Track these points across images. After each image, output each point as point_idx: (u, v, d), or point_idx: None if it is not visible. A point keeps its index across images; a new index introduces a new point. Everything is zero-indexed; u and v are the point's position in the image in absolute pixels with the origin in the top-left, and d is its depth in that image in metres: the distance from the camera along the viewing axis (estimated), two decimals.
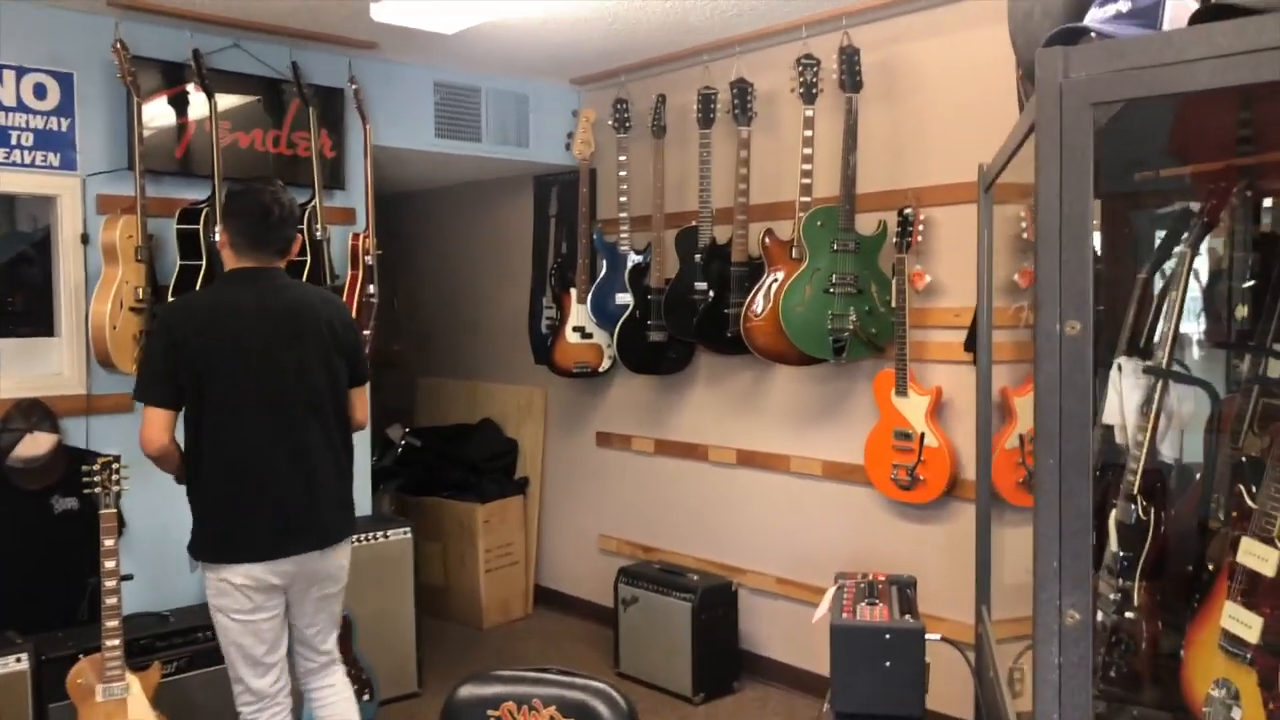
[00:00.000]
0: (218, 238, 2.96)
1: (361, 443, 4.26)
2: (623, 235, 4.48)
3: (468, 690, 2.17)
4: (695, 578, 4.17)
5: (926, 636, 2.63)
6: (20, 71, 3.43)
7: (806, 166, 3.70)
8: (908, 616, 2.71)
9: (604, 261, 4.57)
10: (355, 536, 3.91)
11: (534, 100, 4.79)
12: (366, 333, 3.94)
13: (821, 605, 2.91)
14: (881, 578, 3.02)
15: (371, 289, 3.94)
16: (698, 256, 4.09)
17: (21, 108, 3.45)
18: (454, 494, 5.13)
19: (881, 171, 3.74)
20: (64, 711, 3.09)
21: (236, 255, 2.79)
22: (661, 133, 4.32)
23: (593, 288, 4.59)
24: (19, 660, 3.14)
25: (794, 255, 3.72)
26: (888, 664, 2.61)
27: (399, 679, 4.07)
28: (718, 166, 4.09)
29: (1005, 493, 3.33)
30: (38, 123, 3.49)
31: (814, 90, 3.70)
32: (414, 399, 6.15)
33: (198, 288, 3.47)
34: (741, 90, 3.92)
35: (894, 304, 3.58)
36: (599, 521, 5.03)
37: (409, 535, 4.11)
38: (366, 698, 3.69)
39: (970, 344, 3.44)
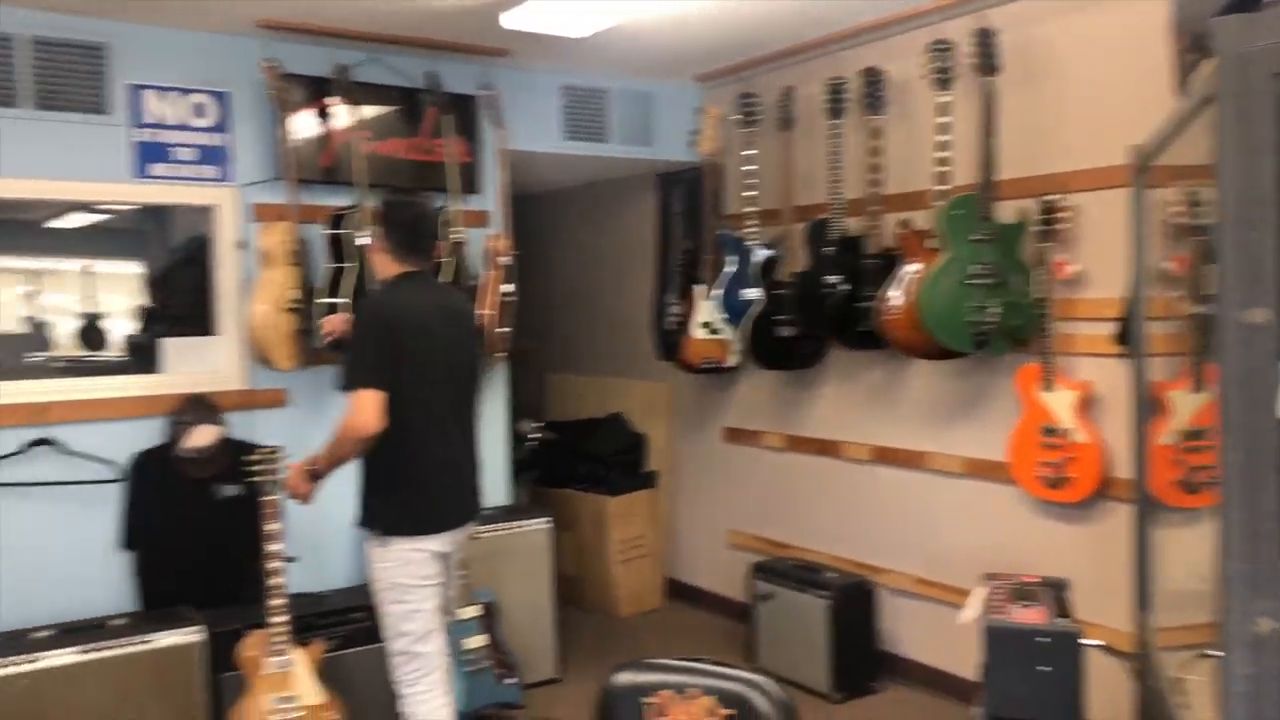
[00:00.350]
0: (368, 242, 3.12)
1: (498, 435, 4.40)
2: (750, 230, 4.46)
3: (625, 677, 2.22)
4: (832, 575, 4.14)
5: (1081, 641, 2.56)
6: (183, 92, 3.65)
7: (942, 154, 3.62)
8: (1063, 620, 2.64)
9: (731, 257, 4.57)
10: (499, 525, 4.07)
11: (658, 99, 4.83)
12: (506, 330, 4.04)
13: (972, 605, 2.86)
14: (1033, 579, 2.94)
15: (510, 288, 4.04)
16: (829, 249, 4.05)
17: (184, 126, 3.67)
18: (585, 486, 5.22)
19: (1021, 157, 3.64)
20: (234, 681, 3.28)
21: (394, 260, 3.00)
22: (789, 125, 4.29)
23: (720, 284, 4.59)
24: (193, 633, 3.34)
25: (931, 246, 3.65)
26: (1043, 668, 2.55)
27: (540, 664, 4.17)
28: (849, 157, 4.04)
29: (1160, 492, 3.19)
30: (199, 139, 3.70)
31: (948, 75, 3.61)
32: (542, 395, 6.27)
33: (349, 289, 3.63)
34: (872, 79, 3.87)
35: (1037, 295, 3.48)
36: (728, 517, 5.04)
37: (549, 525, 4.21)
38: (512, 681, 3.80)
39: (1121, 336, 3.31)
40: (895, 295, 3.73)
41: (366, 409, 2.77)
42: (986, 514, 3.86)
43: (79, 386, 3.59)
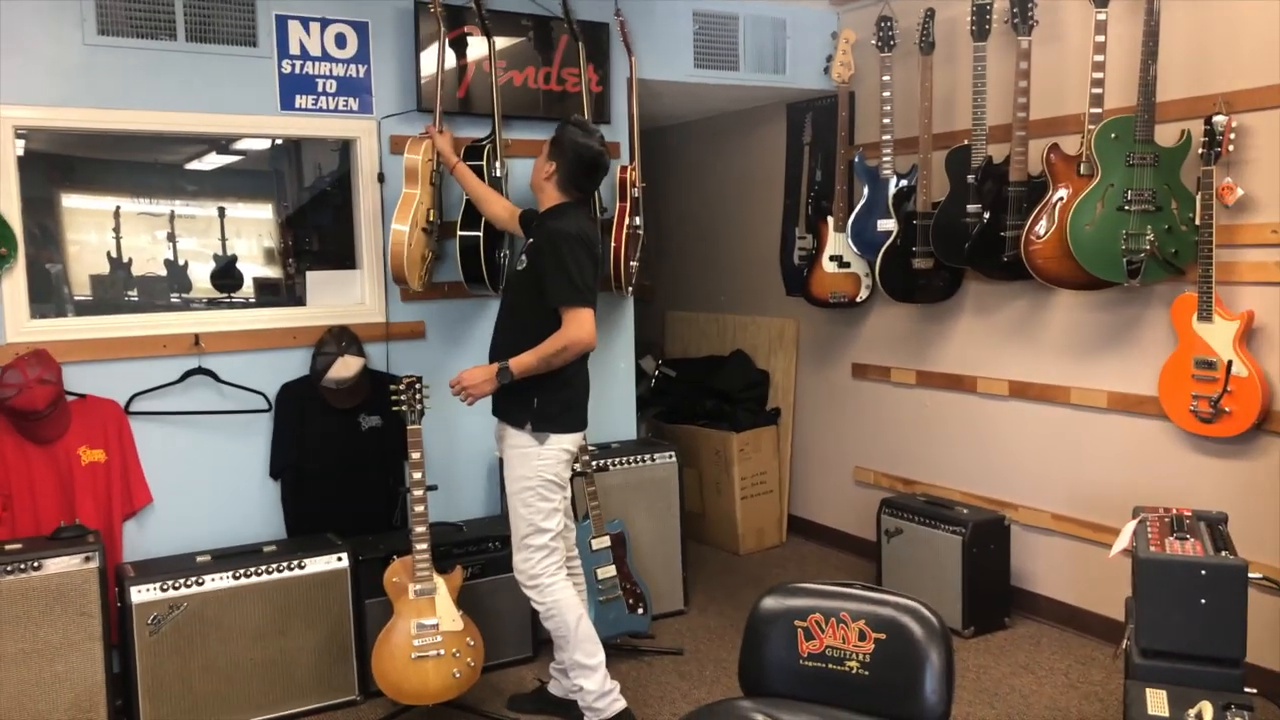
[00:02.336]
0: (545, 164, 3.20)
1: (626, 371, 4.43)
2: (885, 159, 4.35)
3: (774, 601, 2.22)
4: (965, 511, 4.07)
5: (1250, 575, 2.46)
6: (324, 23, 3.70)
7: (1098, 75, 3.44)
8: (1225, 553, 2.53)
9: (864, 187, 4.47)
10: (628, 459, 4.11)
11: (791, 24, 4.70)
12: (634, 264, 4.04)
13: (1121, 538, 2.77)
14: (1188, 512, 2.84)
15: (638, 220, 4.03)
16: (970, 177, 3.91)
17: (326, 57, 3.72)
18: (709, 423, 5.23)
19: (1184, 77, 3.44)
20: (378, 607, 3.42)
21: (560, 191, 3.18)
22: (930, 49, 4.14)
23: (852, 215, 4.50)
24: (340, 559, 3.48)
25: (1083, 171, 3.49)
26: (1203, 601, 2.46)
27: (668, 597, 4.23)
28: (993, 81, 3.88)
29: None
30: (339, 70, 3.75)
31: None
32: (663, 332, 6.28)
33: (483, 221, 3.67)
34: None
35: (1198, 221, 3.30)
36: (854, 453, 4.99)
37: (674, 460, 4.23)
38: (640, 611, 3.86)
39: None
40: (1042, 223, 3.59)
41: (587, 326, 3.03)
42: (1133, 449, 3.73)
43: (227, 318, 3.71)
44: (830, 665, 2.13)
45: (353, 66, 3.77)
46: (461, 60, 3.91)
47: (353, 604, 3.49)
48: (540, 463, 3.13)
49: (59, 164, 4.85)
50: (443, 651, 3.23)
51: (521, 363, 3.06)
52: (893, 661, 2.07)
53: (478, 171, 3.72)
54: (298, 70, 3.67)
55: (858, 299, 4.66)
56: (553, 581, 3.16)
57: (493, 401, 3.22)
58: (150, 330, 3.55)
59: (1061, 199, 3.55)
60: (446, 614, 3.27)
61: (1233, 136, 3.25)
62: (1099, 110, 3.46)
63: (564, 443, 3.16)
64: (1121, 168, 3.39)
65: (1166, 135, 3.42)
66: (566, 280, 3.03)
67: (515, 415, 3.15)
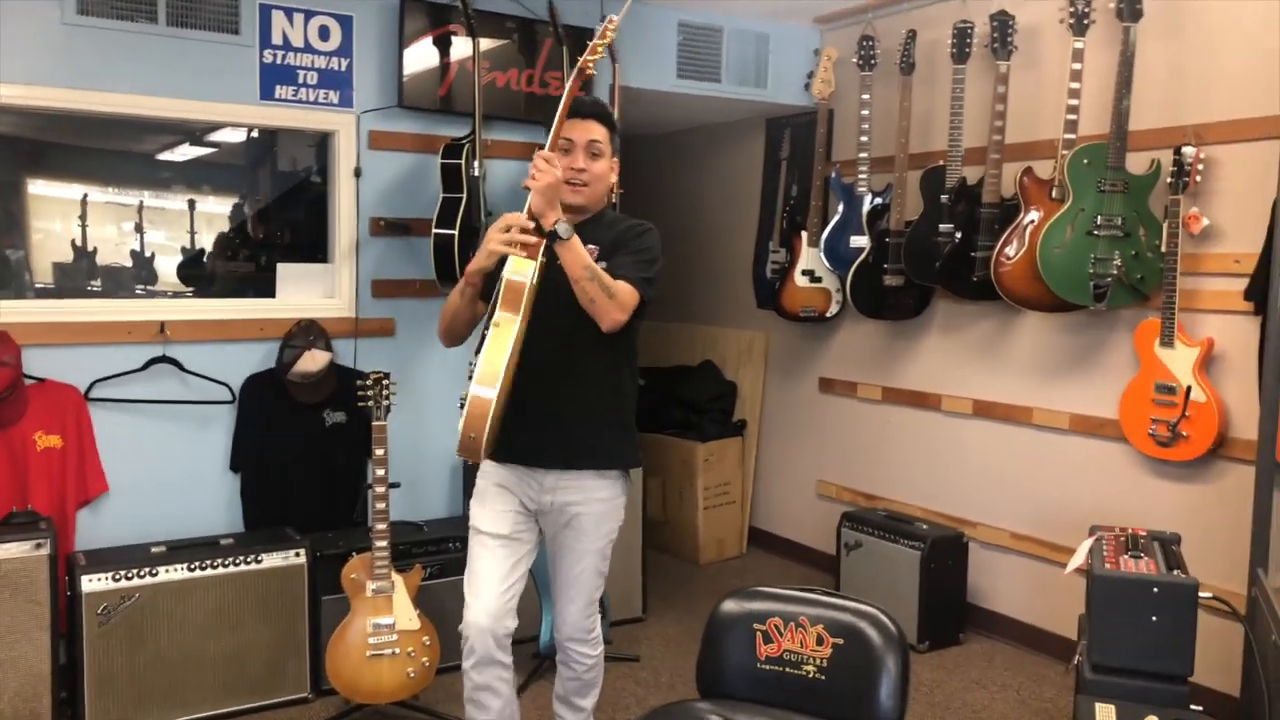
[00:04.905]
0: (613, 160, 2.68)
1: None
2: (861, 176, 4.39)
3: (734, 604, 2.23)
4: (925, 527, 4.10)
5: (1200, 594, 2.50)
6: (308, 14, 3.69)
7: (1073, 102, 3.50)
8: (1177, 572, 2.58)
9: (839, 204, 4.50)
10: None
11: (774, 40, 4.75)
12: None
13: (1077, 556, 2.80)
14: (1143, 532, 2.88)
15: None
16: (945, 197, 3.96)
17: (308, 49, 3.71)
18: (676, 432, 5.23)
19: (1157, 107, 3.50)
20: (335, 604, 3.37)
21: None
22: (910, 70, 4.19)
23: (826, 230, 4.54)
24: (298, 555, 3.44)
25: (1055, 195, 3.55)
26: (1154, 619, 2.50)
27: (627, 604, 4.22)
28: (971, 104, 3.93)
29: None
30: (321, 63, 3.74)
31: (1085, 21, 3.49)
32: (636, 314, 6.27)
33: (459, 220, 3.66)
34: (1002, 23, 3.75)
35: (1164, 249, 3.36)
36: (818, 467, 5.02)
37: (639, 468, 4.22)
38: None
39: (1252, 292, 3.19)
40: (1013, 245, 3.64)
41: (628, 309, 2.42)
42: (1092, 470, 3.78)
43: (194, 307, 3.68)
44: (788, 669, 2.14)
45: (335, 59, 3.76)
46: (444, 59, 3.91)
47: (309, 600, 3.45)
48: (623, 506, 2.67)
49: (27, 149, 4.79)
50: (398, 650, 3.21)
51: (587, 261, 2.36)
52: (849, 667, 2.09)
53: (455, 171, 3.72)
54: (279, 60, 3.65)
55: (828, 314, 4.70)
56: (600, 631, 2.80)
57: (555, 448, 2.54)
58: (115, 316, 3.50)
59: (1033, 222, 3.60)
60: (403, 613, 3.25)
61: (1200, 167, 3.32)
62: (1073, 136, 3.52)
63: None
64: (1093, 193, 3.45)
65: (1137, 163, 3.48)
66: (649, 269, 2.54)
67: (620, 455, 2.63)
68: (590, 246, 2.45)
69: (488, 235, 2.39)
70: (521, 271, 2.29)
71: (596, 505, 2.59)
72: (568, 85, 2.42)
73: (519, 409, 2.43)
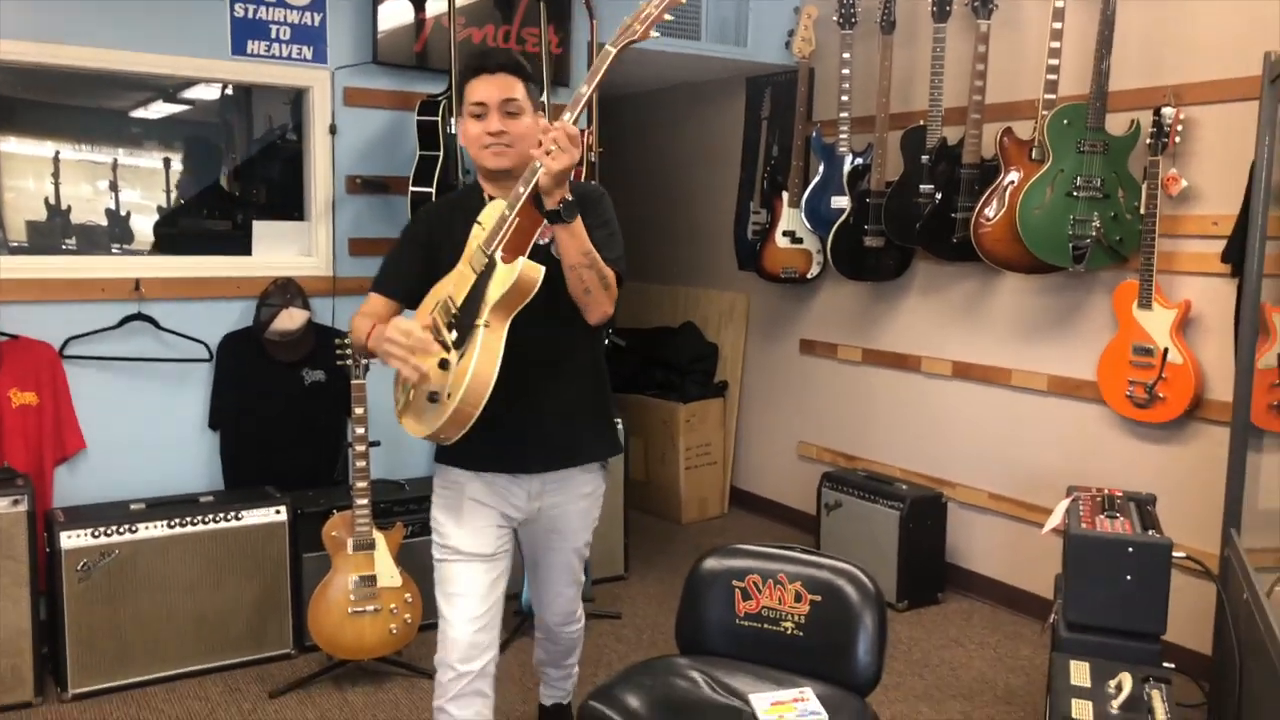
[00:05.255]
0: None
1: None
2: (841, 137, 4.36)
3: (714, 561, 2.25)
4: (904, 487, 4.13)
5: (1174, 554, 2.53)
6: None
7: (1053, 62, 3.49)
8: (1152, 532, 2.61)
9: (820, 164, 4.48)
10: None
11: None
12: None
13: (1054, 516, 2.83)
14: (1119, 493, 2.91)
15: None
16: (925, 158, 3.95)
17: (281, 3, 3.63)
18: (657, 393, 5.24)
19: (1137, 67, 3.50)
20: (316, 561, 3.38)
21: None
22: (890, 29, 4.15)
23: (807, 191, 4.52)
24: (279, 512, 3.44)
25: (1035, 156, 3.54)
26: (1129, 578, 2.53)
27: (609, 562, 4.25)
28: (951, 63, 3.91)
29: (1256, 416, 3.12)
30: (294, 18, 3.67)
31: None
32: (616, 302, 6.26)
33: (436, 178, 3.62)
34: None
35: (1143, 210, 3.37)
36: (799, 428, 5.04)
37: (621, 428, 4.23)
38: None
39: (1229, 254, 3.21)
40: (993, 206, 3.64)
41: (615, 298, 2.32)
42: (1069, 431, 3.81)
43: (170, 265, 3.64)
44: (766, 625, 2.16)
45: (308, 14, 3.69)
46: (420, 14, 3.84)
47: (290, 557, 3.45)
48: (604, 493, 2.56)
49: None
50: (379, 607, 3.22)
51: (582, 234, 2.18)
52: (827, 623, 2.11)
53: (432, 128, 3.67)
54: (250, 15, 3.58)
55: (809, 275, 4.69)
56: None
57: (543, 452, 2.38)
58: (89, 273, 3.46)
59: (1013, 182, 3.60)
60: (385, 570, 3.26)
61: (1180, 129, 3.32)
62: (1053, 96, 3.52)
63: None
64: (1072, 154, 3.45)
65: (1117, 124, 3.48)
66: (619, 247, 2.43)
67: (606, 445, 2.51)
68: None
69: (389, 336, 2.16)
70: (534, 271, 2.09)
71: (582, 501, 2.48)
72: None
73: (498, 416, 2.16)
